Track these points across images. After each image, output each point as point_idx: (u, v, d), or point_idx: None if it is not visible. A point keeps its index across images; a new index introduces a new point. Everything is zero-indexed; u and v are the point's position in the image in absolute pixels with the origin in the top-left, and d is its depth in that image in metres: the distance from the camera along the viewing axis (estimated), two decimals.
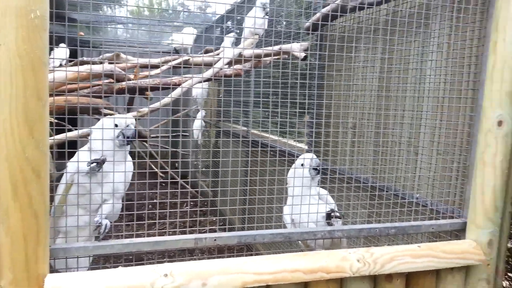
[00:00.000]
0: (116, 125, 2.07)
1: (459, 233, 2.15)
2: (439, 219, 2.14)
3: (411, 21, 2.08)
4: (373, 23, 2.66)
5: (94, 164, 1.94)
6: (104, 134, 1.95)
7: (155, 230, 1.87)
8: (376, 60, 2.71)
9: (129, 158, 2.19)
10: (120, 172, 1.96)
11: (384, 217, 2.18)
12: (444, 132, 2.25)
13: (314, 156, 2.45)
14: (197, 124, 6.37)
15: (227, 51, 3.49)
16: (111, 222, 1.94)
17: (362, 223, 2.31)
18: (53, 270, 1.82)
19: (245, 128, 5.66)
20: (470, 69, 2.12)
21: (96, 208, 2.09)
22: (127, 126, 2.10)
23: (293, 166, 2.48)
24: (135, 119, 2.84)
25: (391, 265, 1.81)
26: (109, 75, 3.49)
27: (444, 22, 2.22)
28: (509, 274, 2.37)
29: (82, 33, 4.25)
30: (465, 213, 2.10)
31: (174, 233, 1.99)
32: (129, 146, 2.17)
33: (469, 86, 2.12)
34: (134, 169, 2.20)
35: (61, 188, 2.09)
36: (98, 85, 3.90)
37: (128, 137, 2.07)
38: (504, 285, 2.33)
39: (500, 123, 1.92)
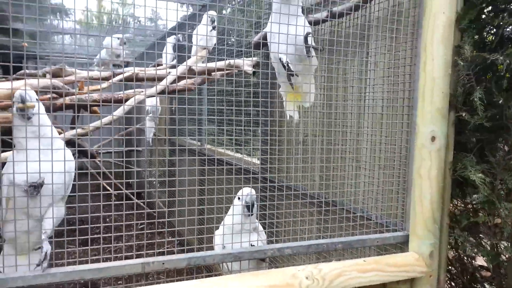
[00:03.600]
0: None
1: (402, 245, 2.21)
2: (383, 232, 2.22)
3: (349, 41, 2.16)
4: (317, 41, 2.73)
5: (32, 187, 1.85)
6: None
7: (99, 256, 1.81)
8: (321, 77, 2.79)
9: (57, 145, 1.95)
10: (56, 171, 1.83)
11: (334, 231, 2.22)
12: (384, 147, 2.34)
13: (253, 192, 2.46)
14: (149, 123, 6.35)
15: (180, 67, 3.49)
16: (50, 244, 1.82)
17: (315, 239, 2.35)
18: None
19: (199, 143, 5.62)
20: (405, 87, 2.22)
21: (35, 225, 1.98)
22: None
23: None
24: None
25: (339, 281, 1.84)
26: (50, 90, 3.35)
27: (380, 42, 2.32)
28: (452, 283, 2.48)
29: (25, 44, 4.07)
30: (407, 225, 2.17)
31: (121, 258, 1.94)
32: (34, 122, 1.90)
33: (405, 103, 2.22)
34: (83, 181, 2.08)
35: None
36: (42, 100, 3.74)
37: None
38: None
39: (433, 139, 2.03)
